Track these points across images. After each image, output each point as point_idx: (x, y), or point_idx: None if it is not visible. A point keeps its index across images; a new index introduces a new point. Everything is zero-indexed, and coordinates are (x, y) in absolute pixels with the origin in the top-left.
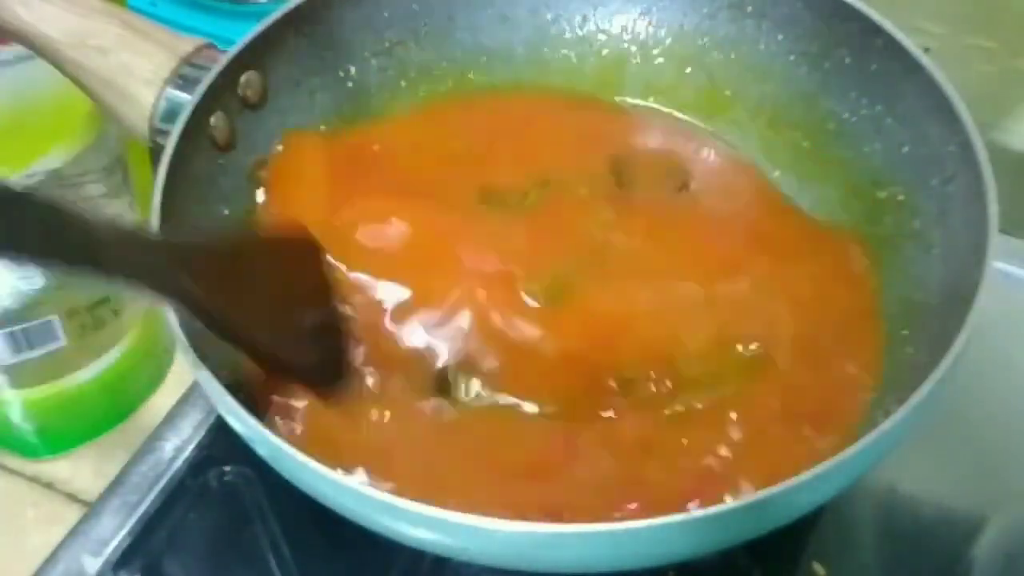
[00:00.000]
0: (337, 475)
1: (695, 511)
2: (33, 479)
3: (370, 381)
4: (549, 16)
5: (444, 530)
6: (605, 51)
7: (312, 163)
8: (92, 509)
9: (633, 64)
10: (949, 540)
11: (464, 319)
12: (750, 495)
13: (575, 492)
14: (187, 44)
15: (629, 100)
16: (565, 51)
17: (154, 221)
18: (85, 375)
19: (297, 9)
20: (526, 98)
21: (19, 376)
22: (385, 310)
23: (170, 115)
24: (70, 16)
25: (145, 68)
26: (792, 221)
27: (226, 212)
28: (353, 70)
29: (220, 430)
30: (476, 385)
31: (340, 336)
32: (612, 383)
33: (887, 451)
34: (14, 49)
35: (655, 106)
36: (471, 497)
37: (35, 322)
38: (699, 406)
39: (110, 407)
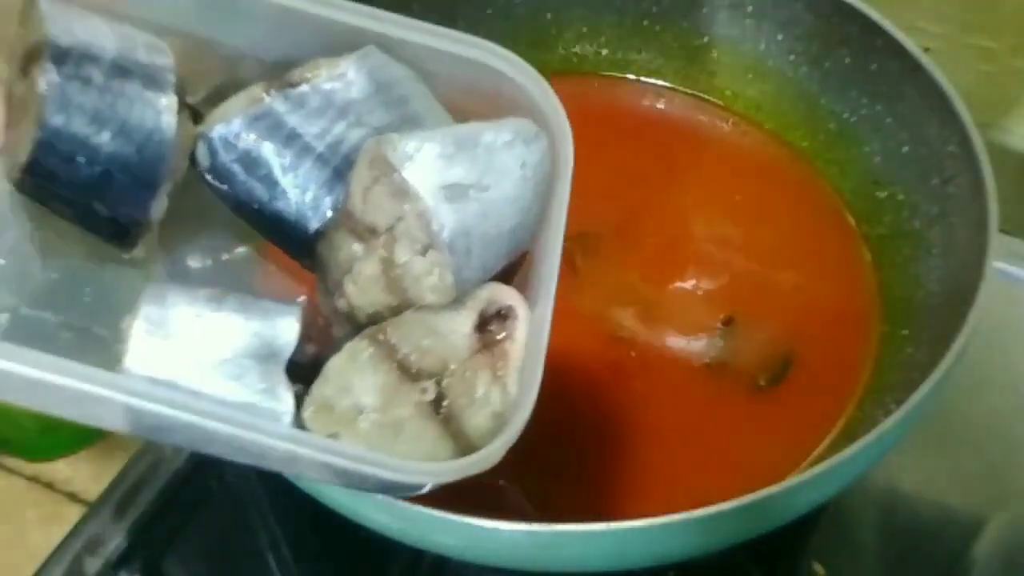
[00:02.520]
0: None
1: (695, 511)
2: (33, 479)
3: None
4: (549, 16)
5: (444, 530)
6: (604, 51)
7: None
8: (92, 509)
9: (634, 63)
10: (949, 540)
11: None
12: (750, 495)
13: None
14: None
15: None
16: (564, 51)
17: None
18: None
19: None
20: None
21: None
22: None
23: None
24: None
25: None
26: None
27: None
28: None
29: None
30: None
31: None
32: None
33: (887, 451)
34: None
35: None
36: None
37: None
38: None
39: None
